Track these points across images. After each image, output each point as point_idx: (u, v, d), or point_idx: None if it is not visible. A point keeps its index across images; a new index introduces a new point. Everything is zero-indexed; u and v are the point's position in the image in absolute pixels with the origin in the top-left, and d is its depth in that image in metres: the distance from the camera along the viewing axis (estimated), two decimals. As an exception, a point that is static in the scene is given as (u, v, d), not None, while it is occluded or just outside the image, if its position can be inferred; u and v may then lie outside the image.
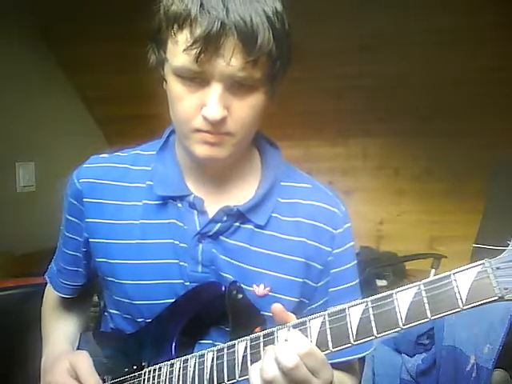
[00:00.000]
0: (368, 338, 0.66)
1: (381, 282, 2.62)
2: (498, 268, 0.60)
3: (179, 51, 0.76)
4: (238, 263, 0.88)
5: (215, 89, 0.77)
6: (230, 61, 0.74)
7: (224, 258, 0.88)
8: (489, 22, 2.27)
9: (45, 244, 1.73)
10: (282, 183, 0.94)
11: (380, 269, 2.63)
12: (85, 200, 0.94)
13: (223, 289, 0.85)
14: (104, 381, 0.89)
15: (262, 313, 0.86)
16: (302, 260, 0.90)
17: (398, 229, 2.95)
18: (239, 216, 0.89)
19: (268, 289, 0.88)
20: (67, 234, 0.99)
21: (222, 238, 0.89)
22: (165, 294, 0.89)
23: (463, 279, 0.62)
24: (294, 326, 0.71)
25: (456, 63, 2.45)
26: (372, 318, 0.66)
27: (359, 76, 2.59)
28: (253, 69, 0.76)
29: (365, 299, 0.68)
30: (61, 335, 1.04)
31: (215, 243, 0.89)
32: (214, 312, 0.86)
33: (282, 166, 0.96)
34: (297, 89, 2.02)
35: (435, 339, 1.52)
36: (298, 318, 0.87)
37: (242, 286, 0.87)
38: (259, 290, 0.88)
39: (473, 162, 2.65)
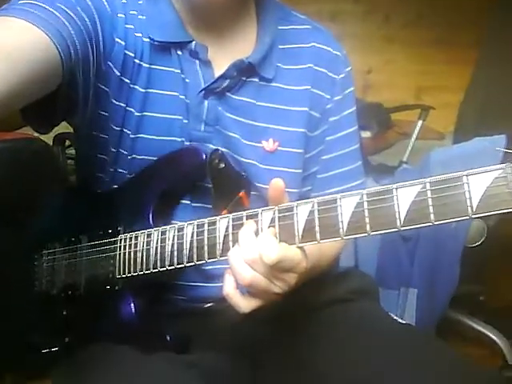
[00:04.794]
0: (359, 235, 0.59)
1: (365, 134, 2.59)
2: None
3: None
4: (244, 120, 0.84)
5: None
6: None
7: (229, 115, 0.83)
8: None
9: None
10: (279, 27, 0.87)
11: (364, 119, 2.59)
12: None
13: (204, 157, 0.79)
14: (79, 240, 0.86)
15: (245, 176, 0.83)
16: (306, 109, 0.86)
17: (386, 78, 2.87)
18: (250, 70, 0.83)
19: (277, 143, 0.85)
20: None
21: (228, 94, 0.83)
22: (165, 151, 0.82)
23: (477, 183, 0.53)
24: (280, 211, 0.65)
25: None
26: (366, 213, 0.58)
27: None
28: None
29: (359, 191, 0.60)
30: None
31: (221, 100, 0.83)
32: (194, 180, 0.82)
33: (277, 8, 0.88)
34: None
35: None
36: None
37: (249, 143, 0.82)
38: (268, 145, 0.84)
39: (467, 9, 2.52)
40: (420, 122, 2.26)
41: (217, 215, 0.70)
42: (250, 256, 0.63)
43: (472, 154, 1.43)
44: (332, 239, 0.61)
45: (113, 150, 0.84)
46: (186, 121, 0.82)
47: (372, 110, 2.67)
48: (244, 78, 0.83)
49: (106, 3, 0.77)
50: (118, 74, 0.79)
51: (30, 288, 0.89)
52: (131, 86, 0.80)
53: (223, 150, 0.83)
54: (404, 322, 0.86)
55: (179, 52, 0.81)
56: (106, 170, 0.86)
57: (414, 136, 2.25)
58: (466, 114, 2.02)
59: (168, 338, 0.81)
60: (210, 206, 0.83)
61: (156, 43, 0.80)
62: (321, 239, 0.62)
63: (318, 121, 0.88)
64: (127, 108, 0.81)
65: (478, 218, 0.53)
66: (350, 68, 0.92)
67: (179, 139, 0.83)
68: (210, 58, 0.82)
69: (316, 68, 0.87)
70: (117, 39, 0.78)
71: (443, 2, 2.62)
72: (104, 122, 0.82)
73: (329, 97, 0.88)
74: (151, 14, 0.81)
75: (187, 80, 0.81)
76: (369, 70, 2.88)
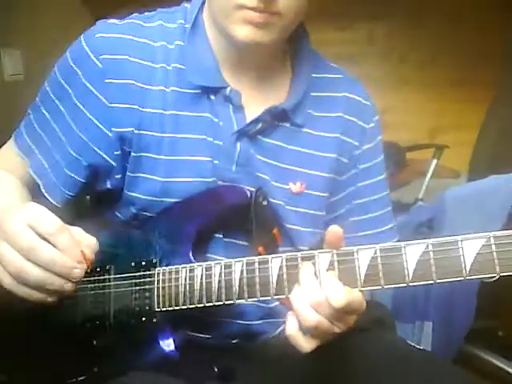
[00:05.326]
0: (424, 282, 0.64)
1: (381, 172, 2.61)
2: (501, 244, 0.60)
3: None
4: (273, 162, 0.86)
5: None
6: None
7: (260, 157, 0.85)
8: None
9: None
10: (313, 75, 0.89)
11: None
12: (107, 81, 0.81)
13: (249, 195, 0.82)
14: (107, 270, 0.83)
15: (278, 215, 0.86)
16: (334, 156, 0.89)
17: (401, 118, 2.90)
18: (282, 115, 0.85)
19: (304, 186, 0.87)
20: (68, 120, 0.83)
21: (259, 137, 0.85)
22: (193, 191, 0.83)
23: (469, 248, 0.61)
24: (339, 255, 0.67)
25: None
26: (432, 262, 0.64)
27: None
28: None
29: (425, 240, 0.65)
30: (8, 187, 0.87)
31: (253, 143, 0.85)
32: (235, 217, 0.83)
33: (311, 55, 0.90)
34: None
35: (435, 228, 1.54)
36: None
37: (277, 185, 0.86)
38: (295, 187, 0.87)
39: (482, 50, 2.55)
40: (435, 161, 2.29)
41: (252, 252, 0.73)
42: (315, 299, 0.64)
43: (487, 192, 1.44)
44: (396, 285, 0.64)
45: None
46: (216, 161, 0.83)
47: (388, 150, 2.69)
48: (276, 123, 0.86)
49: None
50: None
51: (55, 316, 0.86)
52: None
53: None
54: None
55: (212, 97, 0.83)
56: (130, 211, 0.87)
57: (429, 175, 2.27)
58: (480, 152, 2.05)
59: (215, 369, 0.80)
60: (240, 242, 0.85)
61: (187, 90, 0.82)
62: (385, 285, 0.65)
63: (345, 166, 0.91)
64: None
65: (471, 279, 0.62)
66: (377, 117, 0.94)
67: (210, 179, 0.84)
68: (243, 103, 0.83)
69: (346, 117, 0.90)
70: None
71: (458, 43, 2.65)
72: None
73: (357, 144, 0.91)
74: (190, 57, 0.82)
75: (220, 123, 0.83)
76: (384, 110, 2.91)
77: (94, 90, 0.81)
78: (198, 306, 0.76)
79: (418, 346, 0.87)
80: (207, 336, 0.86)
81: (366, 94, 0.94)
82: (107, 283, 0.83)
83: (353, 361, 0.81)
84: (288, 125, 0.86)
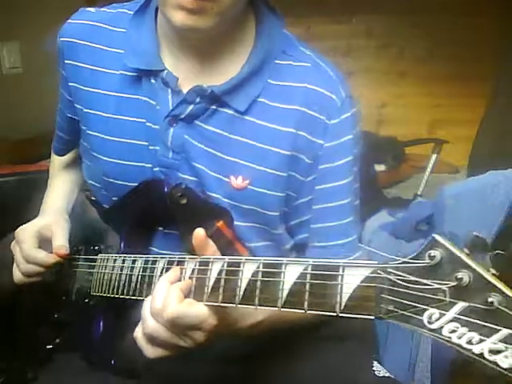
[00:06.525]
0: (249, 306, 0.59)
1: (379, 167, 2.61)
2: (389, 279, 0.49)
3: None
4: (214, 152, 0.81)
5: None
6: None
7: (199, 145, 0.81)
8: None
9: (41, 128, 1.67)
10: (276, 61, 0.81)
11: (379, 153, 2.61)
12: (65, 62, 0.88)
13: (166, 190, 0.79)
14: (79, 250, 0.92)
15: (219, 205, 0.81)
16: (288, 153, 0.80)
17: (399, 112, 2.90)
18: (215, 98, 0.79)
19: (247, 182, 0.81)
20: (61, 90, 0.94)
21: (197, 122, 0.81)
22: (135, 176, 0.84)
23: (350, 278, 0.51)
24: (201, 263, 0.65)
25: None
26: (258, 284, 0.58)
27: None
28: None
29: (259, 258, 0.60)
30: (56, 191, 1.03)
31: (189, 128, 0.81)
32: (160, 210, 0.82)
33: (279, 40, 0.82)
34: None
35: (435, 225, 1.53)
36: (281, 215, 0.83)
37: (216, 175, 0.81)
38: (237, 182, 0.81)
39: (480, 44, 2.55)
40: (434, 156, 2.28)
41: (189, 245, 0.70)
42: (154, 306, 0.64)
43: (486, 187, 1.43)
44: (230, 304, 0.61)
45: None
46: (153, 147, 0.83)
47: (386, 144, 2.70)
48: (214, 107, 0.80)
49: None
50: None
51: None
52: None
53: (193, 178, 0.83)
54: (384, 375, 0.85)
55: (153, 80, 0.82)
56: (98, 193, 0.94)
57: (429, 170, 2.26)
58: (480, 148, 2.04)
59: (112, 362, 0.84)
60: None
61: (131, 72, 0.83)
62: (222, 301, 0.61)
63: (310, 166, 0.82)
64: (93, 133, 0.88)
65: (344, 317, 0.52)
66: (348, 115, 0.82)
67: (148, 165, 0.84)
68: (183, 87, 0.80)
69: (304, 110, 0.80)
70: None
71: (456, 37, 2.64)
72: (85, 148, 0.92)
73: (321, 142, 0.81)
74: (131, 41, 0.83)
75: (158, 107, 0.81)
76: (382, 104, 2.91)
77: (61, 69, 0.91)
78: (114, 296, 0.80)
79: (379, 374, 0.85)
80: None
81: (333, 86, 0.82)
82: (75, 262, 0.93)
83: (293, 369, 0.82)
84: (229, 111, 0.80)
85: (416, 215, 1.63)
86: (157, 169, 0.83)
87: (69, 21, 0.89)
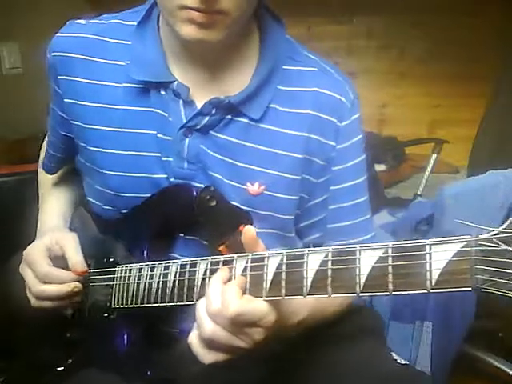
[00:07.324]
0: (321, 295, 0.59)
1: (379, 167, 2.61)
2: (481, 250, 0.50)
3: None
4: (229, 160, 0.82)
5: None
6: None
7: (214, 154, 0.82)
8: None
9: (39, 128, 1.67)
10: (283, 67, 0.83)
11: (379, 153, 2.61)
12: (59, 77, 0.85)
13: (194, 194, 0.79)
14: (89, 265, 0.88)
15: (244, 210, 0.82)
16: (301, 156, 0.82)
17: (400, 112, 2.90)
18: (231, 109, 0.80)
19: (263, 187, 0.82)
20: (53, 107, 0.91)
21: (212, 132, 0.81)
22: (148, 187, 0.84)
23: (439, 254, 0.52)
24: (253, 260, 0.64)
25: None
26: (329, 273, 0.58)
27: None
28: None
29: (326, 248, 0.59)
30: (52, 210, 0.98)
31: (204, 138, 0.81)
32: (185, 216, 0.81)
33: (284, 46, 0.84)
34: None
35: (434, 224, 1.53)
36: (296, 216, 0.85)
37: (232, 184, 0.82)
38: (253, 188, 0.82)
39: (480, 44, 2.55)
40: (434, 156, 2.27)
41: (213, 251, 0.70)
42: (211, 307, 0.62)
43: (486, 187, 1.43)
44: (296, 297, 0.60)
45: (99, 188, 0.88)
46: (166, 158, 0.82)
47: (387, 144, 2.70)
48: (229, 117, 0.81)
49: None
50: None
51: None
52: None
53: None
54: (404, 362, 0.85)
55: (162, 92, 0.81)
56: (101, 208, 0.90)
57: (429, 169, 2.26)
58: (480, 148, 2.03)
59: (148, 373, 0.81)
60: (203, 241, 0.83)
61: (136, 84, 0.82)
62: (286, 295, 0.61)
63: (322, 168, 0.85)
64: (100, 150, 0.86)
65: (435, 292, 0.52)
66: (357, 116, 0.86)
67: (163, 175, 0.83)
68: (195, 97, 0.81)
69: (316, 114, 0.83)
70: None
71: (456, 37, 2.65)
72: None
73: (333, 144, 0.84)
74: (136, 53, 0.82)
75: (170, 119, 0.81)
76: (383, 104, 2.91)
77: (53, 85, 0.88)
78: (141, 306, 0.78)
79: (401, 362, 0.84)
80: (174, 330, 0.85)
81: (342, 89, 0.85)
82: (87, 277, 0.88)
83: (332, 371, 0.80)
84: (244, 120, 0.81)
85: (416, 215, 1.63)
86: (172, 179, 0.83)
87: (58, 34, 0.87)
